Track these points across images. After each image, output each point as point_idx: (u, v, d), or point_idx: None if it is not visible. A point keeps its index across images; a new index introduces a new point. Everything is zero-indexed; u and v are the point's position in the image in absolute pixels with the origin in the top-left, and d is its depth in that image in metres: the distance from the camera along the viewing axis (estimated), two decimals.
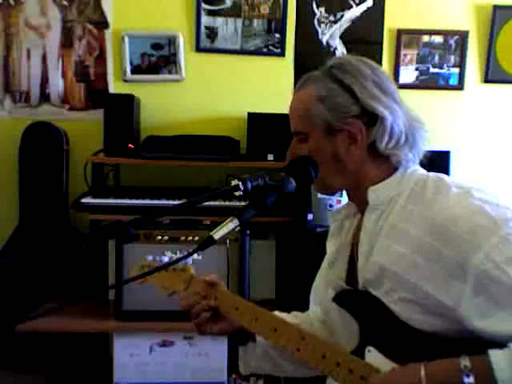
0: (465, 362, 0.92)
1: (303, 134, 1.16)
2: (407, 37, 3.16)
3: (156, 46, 3.07)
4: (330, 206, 2.52)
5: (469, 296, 0.96)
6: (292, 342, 1.14)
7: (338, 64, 1.14)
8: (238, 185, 1.11)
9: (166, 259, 1.38)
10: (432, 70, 3.18)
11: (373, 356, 1.06)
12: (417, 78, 3.17)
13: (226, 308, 1.26)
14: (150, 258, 1.40)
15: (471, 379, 0.91)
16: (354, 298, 1.14)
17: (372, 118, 1.10)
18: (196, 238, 2.45)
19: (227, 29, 3.09)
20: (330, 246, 1.29)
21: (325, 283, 1.28)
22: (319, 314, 1.33)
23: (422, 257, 1.01)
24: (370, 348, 1.07)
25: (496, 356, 0.90)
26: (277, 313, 1.27)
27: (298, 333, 1.14)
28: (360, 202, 1.17)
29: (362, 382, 1.03)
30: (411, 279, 1.02)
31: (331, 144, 1.13)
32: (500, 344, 0.92)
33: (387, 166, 1.14)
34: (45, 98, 3.07)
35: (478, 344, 0.96)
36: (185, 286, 1.33)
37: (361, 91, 1.10)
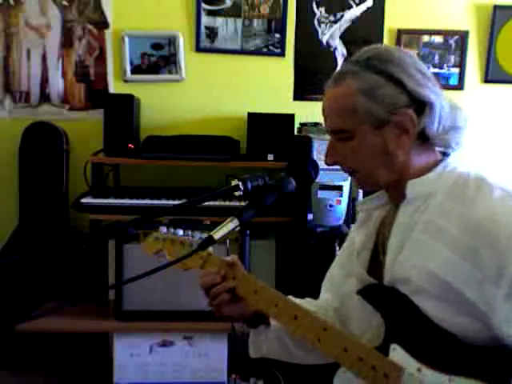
0: None
1: (347, 131, 1.09)
2: (407, 37, 3.16)
3: (156, 46, 3.07)
4: (330, 206, 2.52)
5: (501, 302, 0.95)
6: (313, 332, 1.11)
7: (377, 55, 1.09)
8: (237, 185, 1.11)
9: (180, 232, 1.34)
10: (432, 69, 3.18)
11: (397, 354, 1.04)
12: None
13: (244, 290, 1.21)
14: (164, 229, 1.36)
15: None
16: (382, 293, 1.11)
17: (420, 106, 1.06)
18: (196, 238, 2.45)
19: (227, 29, 3.09)
20: (359, 235, 1.24)
21: (345, 272, 1.26)
22: (333, 302, 1.30)
23: (458, 255, 0.99)
24: (395, 346, 1.05)
25: None
26: (291, 297, 1.24)
27: (319, 323, 1.11)
28: (396, 194, 1.13)
29: (385, 380, 1.01)
30: (445, 278, 1.00)
31: (380, 137, 1.08)
32: None
33: (431, 157, 1.11)
34: (45, 98, 3.07)
35: (505, 352, 0.96)
36: (201, 262, 1.27)
37: (407, 79, 1.05)
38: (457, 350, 1.00)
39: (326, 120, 1.14)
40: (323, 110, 1.14)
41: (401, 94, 1.06)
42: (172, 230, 1.33)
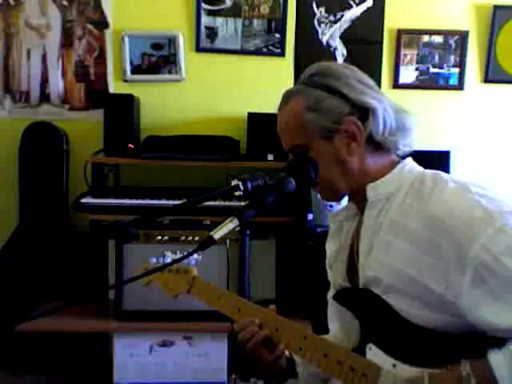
0: (466, 369, 0.93)
1: (302, 146, 1.16)
2: (407, 37, 3.16)
3: (156, 46, 3.07)
4: (330, 206, 2.52)
5: (468, 289, 0.97)
6: (294, 341, 1.14)
7: (317, 71, 1.16)
8: (238, 185, 1.11)
9: (168, 260, 1.38)
10: (432, 70, 3.18)
11: (374, 353, 1.07)
12: (417, 78, 3.17)
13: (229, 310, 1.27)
14: (154, 260, 1.40)
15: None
16: (354, 295, 1.15)
17: (363, 113, 1.12)
18: (196, 238, 2.46)
19: (227, 29, 3.09)
20: (330, 247, 1.29)
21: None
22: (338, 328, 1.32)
23: (422, 250, 1.02)
24: (371, 345, 1.08)
25: (496, 361, 0.91)
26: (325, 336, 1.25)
27: (299, 332, 1.14)
28: (360, 201, 1.18)
29: (363, 380, 1.03)
30: (411, 273, 1.03)
31: (332, 147, 1.14)
32: (498, 339, 0.93)
33: (387, 160, 1.16)
34: (45, 97, 3.07)
35: (478, 339, 0.97)
36: (188, 287, 1.34)
37: (347, 89, 1.12)
38: (430, 343, 1.02)
39: (282, 142, 1.20)
40: (278, 132, 1.20)
41: (342, 103, 1.12)
42: (161, 259, 1.41)
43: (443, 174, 1.11)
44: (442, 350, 1.01)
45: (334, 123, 1.12)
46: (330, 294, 1.30)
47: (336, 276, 1.23)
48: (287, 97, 1.18)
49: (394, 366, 1.03)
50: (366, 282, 1.11)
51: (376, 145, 1.14)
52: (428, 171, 1.14)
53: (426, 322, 1.02)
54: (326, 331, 1.33)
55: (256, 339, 1.20)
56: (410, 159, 1.18)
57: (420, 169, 1.16)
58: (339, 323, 1.24)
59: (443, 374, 0.97)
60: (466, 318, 0.98)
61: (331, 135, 1.13)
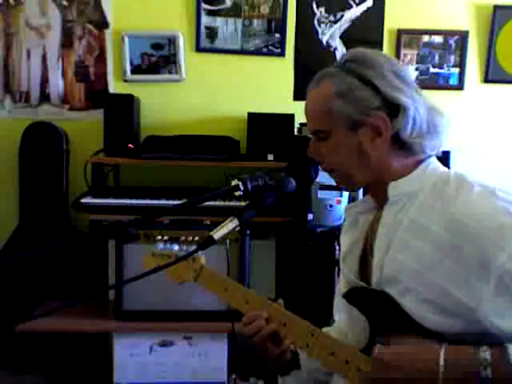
0: (484, 354, 0.92)
1: (324, 132, 1.12)
2: (407, 37, 3.16)
3: (156, 46, 3.07)
4: (330, 206, 2.52)
5: (490, 296, 0.95)
6: (301, 338, 1.13)
7: (354, 57, 1.12)
8: (238, 185, 1.11)
9: (176, 247, 1.37)
10: (432, 69, 3.18)
11: None
12: (417, 78, 3.17)
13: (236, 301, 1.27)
14: (161, 246, 1.40)
15: (488, 372, 0.91)
16: (365, 296, 1.12)
17: (394, 109, 1.08)
18: (196, 238, 2.45)
19: (227, 29, 3.09)
20: (344, 240, 1.25)
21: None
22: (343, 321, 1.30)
23: (442, 253, 1.00)
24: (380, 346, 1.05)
25: None
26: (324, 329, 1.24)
27: (306, 329, 1.13)
28: (379, 197, 1.14)
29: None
30: (431, 277, 1.00)
31: (355, 139, 1.10)
32: None
33: (410, 159, 1.12)
34: (45, 97, 3.07)
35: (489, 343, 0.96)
36: (195, 275, 1.33)
37: (381, 83, 1.08)
38: None
39: (307, 121, 1.18)
40: (305, 111, 1.17)
41: (374, 96, 1.07)
42: (168, 245, 1.39)
43: (468, 176, 1.08)
44: None
45: (362, 115, 1.08)
46: (340, 286, 1.28)
47: (348, 270, 1.20)
48: (320, 77, 1.14)
49: (410, 344, 1.01)
50: (381, 281, 1.08)
51: (401, 144, 1.10)
52: (452, 172, 1.10)
53: (439, 327, 1.00)
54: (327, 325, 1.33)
55: (263, 333, 1.19)
56: (434, 158, 1.14)
57: (443, 169, 1.13)
58: (347, 319, 1.22)
59: (460, 351, 0.95)
60: (484, 324, 0.96)
61: (356, 127, 1.09)
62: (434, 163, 1.13)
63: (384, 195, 1.12)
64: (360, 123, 1.09)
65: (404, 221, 1.07)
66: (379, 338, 1.05)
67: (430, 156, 1.13)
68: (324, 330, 1.26)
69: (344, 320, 1.27)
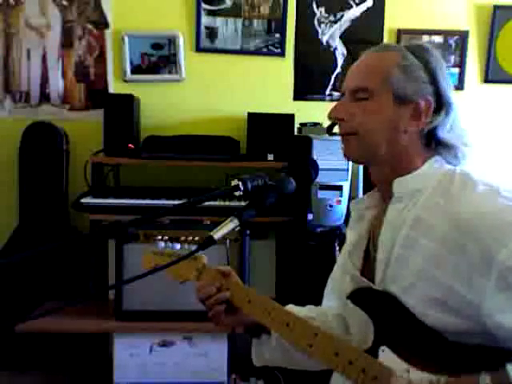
0: (485, 380, 0.92)
1: (368, 91, 1.11)
2: (407, 37, 3.16)
3: (156, 46, 3.07)
4: (330, 206, 2.52)
5: (492, 292, 0.95)
6: (304, 338, 1.12)
7: (423, 46, 1.16)
8: (238, 185, 1.11)
9: (177, 246, 1.37)
10: None
11: (386, 356, 1.05)
12: None
13: (239, 300, 1.25)
14: (162, 244, 1.39)
15: None
16: (370, 296, 1.12)
17: (440, 104, 1.11)
18: (196, 238, 2.45)
19: (227, 29, 3.09)
20: (351, 234, 1.26)
21: (342, 271, 1.26)
22: (334, 308, 1.31)
23: (447, 250, 1.00)
24: (384, 348, 1.05)
25: None
26: (291, 306, 1.27)
27: (310, 329, 1.12)
28: (385, 191, 1.15)
29: (374, 382, 1.01)
30: (435, 274, 1.01)
31: (396, 112, 1.10)
32: None
33: (425, 156, 1.13)
34: (45, 97, 3.07)
35: (495, 352, 0.96)
36: (196, 274, 1.32)
37: (440, 75, 1.11)
38: (446, 350, 1.01)
39: (348, 79, 1.16)
40: (351, 70, 1.17)
41: (430, 85, 1.11)
42: (170, 244, 1.38)
43: (473, 175, 1.09)
44: (457, 359, 0.99)
45: (413, 94, 1.10)
46: (336, 276, 1.30)
47: (352, 263, 1.20)
48: (386, 46, 1.19)
49: (407, 371, 1.01)
50: (384, 278, 1.09)
51: (428, 141, 1.12)
52: (457, 169, 1.11)
53: (443, 326, 1.01)
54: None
55: (214, 299, 1.26)
56: (439, 156, 1.14)
57: (449, 166, 1.13)
58: (352, 321, 1.21)
59: (460, 380, 0.95)
60: (485, 320, 0.96)
61: (403, 102, 1.10)
62: (440, 160, 1.13)
63: (389, 191, 1.12)
64: (408, 100, 1.10)
65: (408, 218, 1.07)
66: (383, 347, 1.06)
67: (438, 153, 1.13)
68: (307, 307, 1.33)
69: (334, 309, 1.30)
